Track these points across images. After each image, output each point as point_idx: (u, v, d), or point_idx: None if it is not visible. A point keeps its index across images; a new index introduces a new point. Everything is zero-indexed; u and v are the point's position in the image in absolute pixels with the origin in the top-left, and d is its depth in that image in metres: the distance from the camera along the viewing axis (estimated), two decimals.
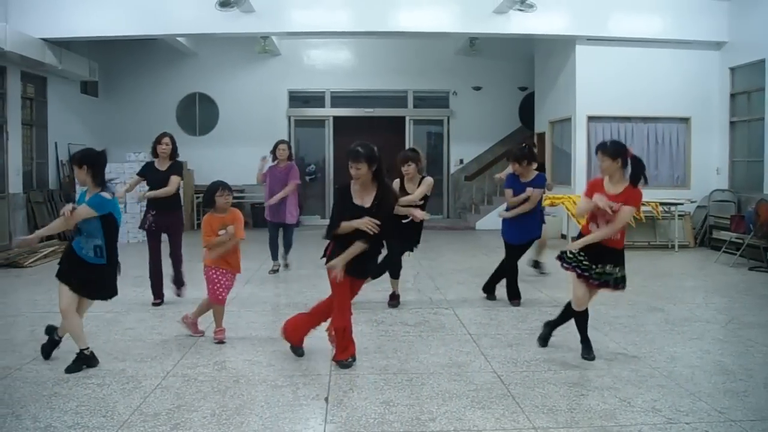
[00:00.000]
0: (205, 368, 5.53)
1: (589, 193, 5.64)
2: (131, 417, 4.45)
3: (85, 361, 5.45)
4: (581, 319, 5.78)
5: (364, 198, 5.39)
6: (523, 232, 7.80)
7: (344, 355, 5.57)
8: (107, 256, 5.44)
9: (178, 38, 15.17)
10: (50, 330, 5.80)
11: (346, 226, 5.28)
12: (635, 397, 4.83)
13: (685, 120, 13.69)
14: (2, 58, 11.83)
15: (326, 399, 4.82)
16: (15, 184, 12.58)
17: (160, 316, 7.30)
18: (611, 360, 5.73)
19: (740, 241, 10.98)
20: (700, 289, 9.14)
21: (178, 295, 7.96)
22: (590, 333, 6.43)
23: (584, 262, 5.55)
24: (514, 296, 7.94)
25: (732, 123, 13.24)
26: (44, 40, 12.47)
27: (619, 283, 5.62)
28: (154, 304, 7.79)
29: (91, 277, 5.42)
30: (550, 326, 6.05)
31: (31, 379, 5.23)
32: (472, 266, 10.75)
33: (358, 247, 5.29)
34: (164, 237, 7.96)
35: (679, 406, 4.64)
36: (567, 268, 5.69)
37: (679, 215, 12.85)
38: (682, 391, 4.93)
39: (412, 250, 7.87)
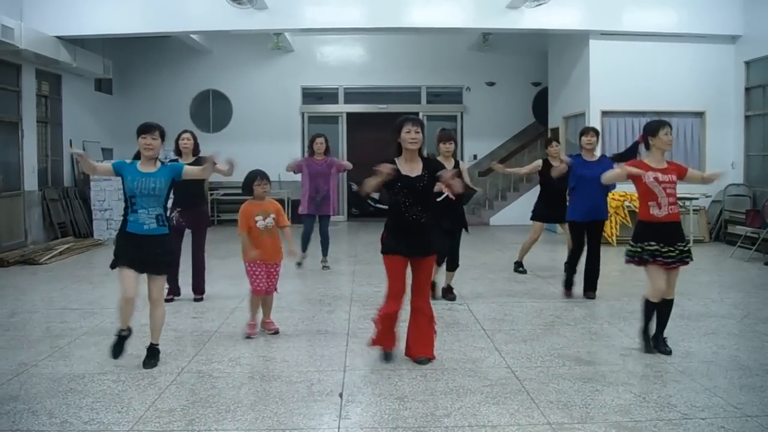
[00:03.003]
0: (219, 364, 5.55)
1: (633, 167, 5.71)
2: (146, 413, 4.47)
3: (156, 352, 5.58)
4: (661, 308, 5.73)
5: (412, 169, 5.38)
6: (590, 210, 7.86)
7: (373, 341, 5.63)
8: (168, 225, 5.50)
9: (192, 35, 15.17)
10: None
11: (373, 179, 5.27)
12: (650, 392, 4.82)
13: (700, 114, 13.58)
14: (17, 56, 11.89)
15: (340, 395, 4.82)
16: (30, 181, 12.65)
17: (174, 312, 7.31)
18: (626, 355, 5.71)
19: (756, 235, 10.91)
20: (715, 284, 9.09)
21: (196, 300, 7.92)
22: (605, 328, 6.44)
23: (656, 248, 5.55)
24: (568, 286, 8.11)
25: (747, 117, 13.14)
26: (59, 37, 12.51)
27: (690, 256, 5.66)
28: (166, 300, 7.78)
29: (153, 250, 5.37)
30: (644, 333, 5.85)
31: (46, 375, 5.27)
32: (486, 262, 10.73)
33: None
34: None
35: (694, 401, 4.62)
36: (643, 263, 5.67)
37: (693, 210, 12.78)
38: (697, 387, 4.91)
39: (462, 228, 7.81)
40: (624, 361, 5.58)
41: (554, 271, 9.53)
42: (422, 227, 5.36)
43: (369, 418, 4.43)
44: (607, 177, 5.96)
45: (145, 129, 5.44)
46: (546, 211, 9.34)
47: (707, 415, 4.38)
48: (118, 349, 5.44)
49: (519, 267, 9.77)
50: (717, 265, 10.66)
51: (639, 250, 5.63)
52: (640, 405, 4.57)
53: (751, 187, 12.83)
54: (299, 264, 9.92)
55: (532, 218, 9.59)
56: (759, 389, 4.87)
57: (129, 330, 5.48)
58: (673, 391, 4.82)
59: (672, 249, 5.55)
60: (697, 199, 12.67)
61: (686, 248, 5.63)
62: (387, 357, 5.57)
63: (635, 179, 5.64)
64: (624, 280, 8.88)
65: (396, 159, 5.41)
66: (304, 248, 10.00)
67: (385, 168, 5.19)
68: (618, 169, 5.88)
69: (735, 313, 7.30)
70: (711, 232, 13.25)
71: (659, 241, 5.55)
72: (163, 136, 5.50)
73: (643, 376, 5.20)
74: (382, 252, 5.43)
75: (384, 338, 5.56)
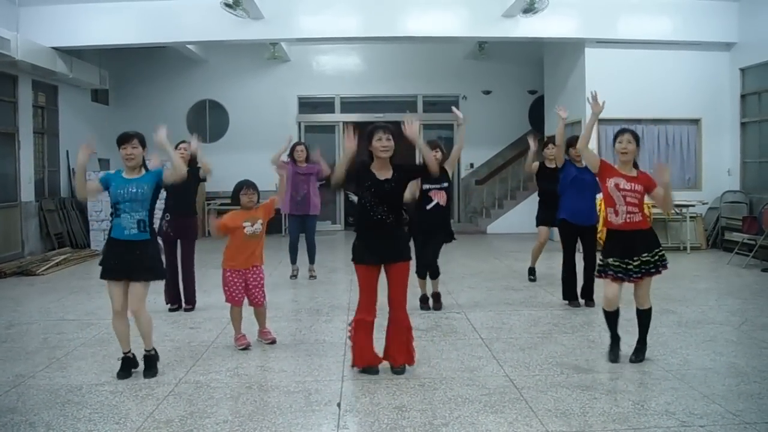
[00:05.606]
0: (217, 375, 5.54)
1: (603, 167, 5.73)
2: (144, 424, 4.46)
3: (153, 360, 5.52)
4: (613, 317, 5.77)
5: (383, 174, 5.33)
6: (579, 212, 7.86)
7: (354, 362, 5.59)
8: (150, 231, 5.43)
9: (188, 45, 15.20)
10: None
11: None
12: (648, 400, 4.82)
13: (696, 121, 13.63)
14: (14, 67, 11.89)
15: (338, 404, 4.82)
16: (27, 192, 12.64)
17: (172, 323, 7.32)
18: (624, 363, 5.70)
19: (753, 242, 10.93)
20: (712, 290, 9.09)
21: (186, 310, 7.91)
22: (603, 336, 6.43)
23: (617, 265, 5.55)
24: (580, 295, 8.07)
25: (743, 124, 13.18)
26: (55, 49, 12.53)
27: (660, 266, 5.58)
28: (171, 310, 7.82)
29: (133, 256, 5.31)
30: (611, 344, 5.90)
31: (44, 386, 5.25)
32: (483, 270, 10.73)
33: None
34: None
35: (692, 408, 4.62)
36: (606, 277, 5.67)
37: (690, 217, 12.81)
38: (695, 394, 4.91)
39: (449, 241, 7.79)
40: (622, 368, 5.58)
41: (551, 278, 9.51)
42: (388, 229, 5.30)
43: (367, 427, 4.42)
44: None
45: (123, 139, 5.43)
46: (543, 214, 9.31)
47: (706, 422, 4.38)
48: (122, 373, 5.44)
49: (531, 274, 9.78)
50: (714, 272, 10.67)
51: (605, 265, 5.66)
52: (638, 413, 4.57)
53: (747, 194, 12.86)
54: (294, 276, 9.94)
55: (537, 224, 9.58)
56: (757, 396, 4.87)
57: (132, 355, 5.51)
58: (671, 399, 4.82)
59: (630, 261, 5.53)
60: (693, 205, 12.70)
61: (653, 258, 5.56)
62: (371, 371, 5.52)
63: (602, 184, 5.67)
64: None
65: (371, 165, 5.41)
66: (293, 260, 10.02)
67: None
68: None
69: (732, 320, 7.31)
70: (708, 239, 13.27)
71: (619, 254, 5.55)
72: (143, 143, 5.50)
73: (642, 383, 5.20)
74: (352, 260, 5.41)
75: (361, 354, 5.51)
